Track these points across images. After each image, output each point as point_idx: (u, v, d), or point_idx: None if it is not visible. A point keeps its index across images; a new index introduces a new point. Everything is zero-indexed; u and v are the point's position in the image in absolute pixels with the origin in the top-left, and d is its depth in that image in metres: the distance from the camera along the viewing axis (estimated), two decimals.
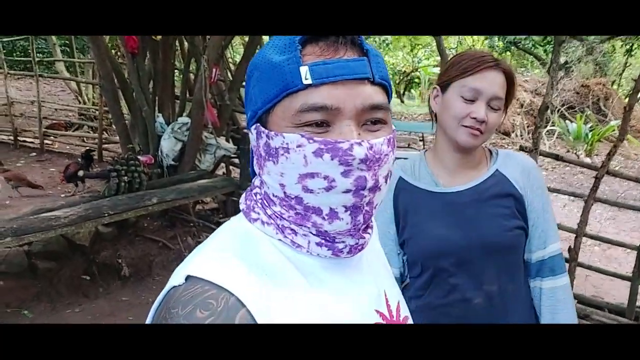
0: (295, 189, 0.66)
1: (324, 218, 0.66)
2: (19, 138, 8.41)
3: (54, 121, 8.74)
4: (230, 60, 6.72)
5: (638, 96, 3.04)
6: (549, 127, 10.51)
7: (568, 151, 10.06)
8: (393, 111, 0.58)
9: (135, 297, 4.19)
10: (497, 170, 1.36)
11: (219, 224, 5.16)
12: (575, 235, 3.39)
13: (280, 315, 0.63)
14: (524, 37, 11.72)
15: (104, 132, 7.86)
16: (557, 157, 3.61)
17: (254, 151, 0.73)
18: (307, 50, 0.65)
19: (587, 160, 9.32)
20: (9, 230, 3.21)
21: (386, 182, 0.69)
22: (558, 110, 11.03)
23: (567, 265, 3.18)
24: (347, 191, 0.65)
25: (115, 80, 5.00)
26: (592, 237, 3.72)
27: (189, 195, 4.36)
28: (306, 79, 0.63)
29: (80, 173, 5.56)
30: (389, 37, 15.23)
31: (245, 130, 5.27)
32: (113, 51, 6.34)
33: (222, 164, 5.47)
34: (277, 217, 0.71)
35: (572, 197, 6.35)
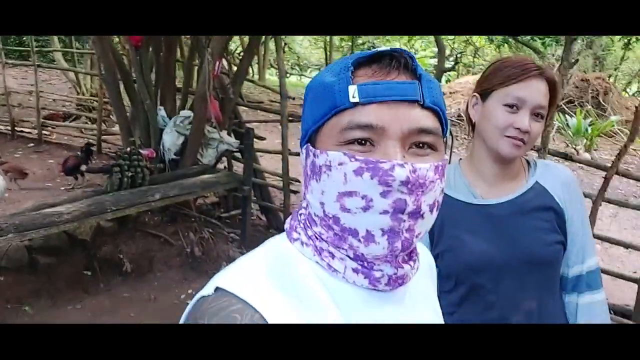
0: (333, 207, 0.66)
1: (359, 240, 0.65)
2: (16, 128, 8.31)
3: (52, 112, 8.64)
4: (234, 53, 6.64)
5: None
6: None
7: (567, 146, 10.04)
8: None
9: (137, 293, 4.15)
10: (536, 182, 1.33)
11: (220, 219, 5.17)
12: None
13: None
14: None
15: (103, 124, 7.78)
16: (566, 157, 3.57)
17: (303, 171, 0.72)
18: (359, 72, 0.66)
19: (587, 155, 9.31)
20: (11, 226, 3.16)
21: (431, 212, 0.67)
22: (559, 105, 11.00)
23: None
24: (385, 212, 0.63)
25: (117, 72, 4.93)
26: (599, 237, 3.69)
27: (192, 190, 4.31)
28: (353, 97, 0.64)
29: (83, 167, 5.51)
30: None
31: (247, 125, 5.22)
32: (116, 42, 6.24)
33: (224, 159, 5.42)
34: (317, 238, 0.70)
35: None
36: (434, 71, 5.02)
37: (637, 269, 4.80)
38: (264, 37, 4.89)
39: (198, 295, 0.65)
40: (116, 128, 6.47)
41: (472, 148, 1.36)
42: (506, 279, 1.27)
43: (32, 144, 8.00)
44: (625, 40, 11.66)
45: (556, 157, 3.64)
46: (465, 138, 7.87)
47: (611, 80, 12.93)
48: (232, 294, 0.63)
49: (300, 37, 18.94)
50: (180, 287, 4.27)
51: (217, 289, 0.64)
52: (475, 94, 1.32)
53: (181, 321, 0.67)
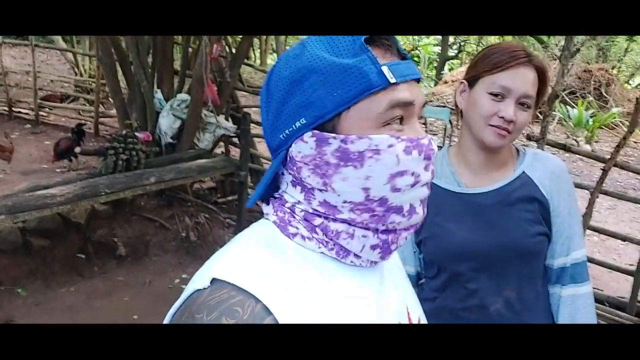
0: (382, 190, 0.66)
1: (403, 215, 0.68)
2: (13, 109, 8.26)
3: (50, 92, 8.58)
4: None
5: None
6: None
7: (568, 137, 10.00)
8: None
9: (132, 277, 4.15)
10: (523, 172, 1.30)
11: (216, 204, 5.15)
12: None
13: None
14: None
15: (101, 106, 7.72)
16: (564, 148, 3.54)
17: (296, 162, 0.67)
18: (374, 52, 0.66)
19: (587, 147, 9.28)
20: (3, 207, 3.13)
21: None
22: (559, 96, 10.94)
23: None
24: (426, 184, 0.68)
25: (114, 54, 4.88)
26: (595, 229, 3.67)
27: (188, 175, 4.27)
28: (391, 77, 0.64)
29: (77, 149, 5.45)
30: None
31: (244, 110, 5.17)
32: None
33: (221, 143, 5.38)
34: (324, 228, 0.68)
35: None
36: (438, 59, 4.96)
37: (633, 262, 4.78)
38: None
39: (191, 288, 0.62)
40: (114, 110, 6.42)
41: (460, 136, 1.34)
42: (487, 267, 1.25)
43: (29, 125, 7.96)
44: None
45: (555, 148, 3.61)
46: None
47: (614, 71, 12.85)
48: (232, 284, 0.60)
49: None
50: (176, 272, 4.27)
51: (213, 280, 0.61)
52: (463, 80, 1.29)
53: (170, 314, 0.64)
